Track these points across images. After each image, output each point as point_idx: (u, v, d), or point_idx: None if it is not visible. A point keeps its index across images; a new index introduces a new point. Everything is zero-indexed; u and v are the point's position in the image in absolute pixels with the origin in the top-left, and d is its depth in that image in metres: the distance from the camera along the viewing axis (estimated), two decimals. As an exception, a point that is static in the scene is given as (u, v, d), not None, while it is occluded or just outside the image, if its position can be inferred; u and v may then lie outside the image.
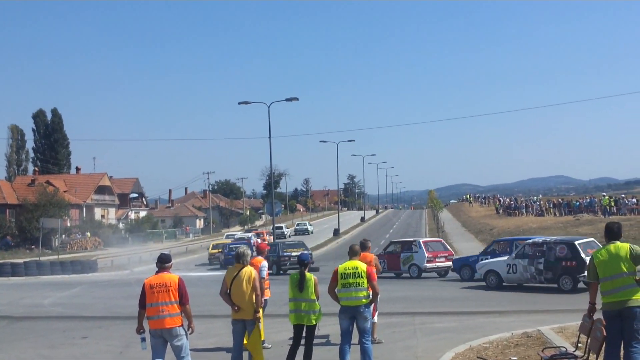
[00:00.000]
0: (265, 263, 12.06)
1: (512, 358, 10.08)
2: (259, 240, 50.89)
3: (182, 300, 8.57)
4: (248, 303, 9.24)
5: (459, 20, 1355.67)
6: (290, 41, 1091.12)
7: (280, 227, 70.59)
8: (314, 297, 9.47)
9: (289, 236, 71.41)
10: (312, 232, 77.34)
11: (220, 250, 44.66)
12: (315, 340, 9.98)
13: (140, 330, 8.74)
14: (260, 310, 9.50)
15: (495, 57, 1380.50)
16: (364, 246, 11.63)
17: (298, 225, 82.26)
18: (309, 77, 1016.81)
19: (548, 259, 20.71)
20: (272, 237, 51.34)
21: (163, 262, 8.81)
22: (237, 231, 79.43)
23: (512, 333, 12.12)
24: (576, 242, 20.75)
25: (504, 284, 22.02)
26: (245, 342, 9.37)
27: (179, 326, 8.54)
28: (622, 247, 7.73)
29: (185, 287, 8.69)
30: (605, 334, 7.61)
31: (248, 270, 9.37)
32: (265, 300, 12.02)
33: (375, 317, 11.76)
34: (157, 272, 8.77)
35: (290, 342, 9.94)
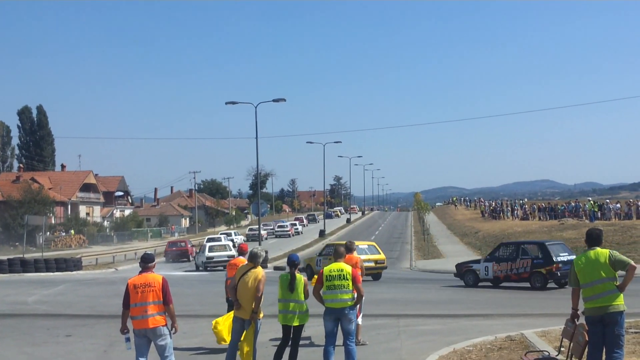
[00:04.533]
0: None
1: (495, 361, 10.12)
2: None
3: (166, 299, 8.56)
4: (248, 303, 9.41)
5: (448, 23, 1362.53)
6: (279, 42, 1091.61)
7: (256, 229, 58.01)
8: (303, 298, 9.55)
9: (266, 238, 66.58)
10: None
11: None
12: (300, 342, 9.99)
13: (124, 330, 8.74)
14: (259, 312, 9.58)
15: (482, 61, 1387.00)
16: (349, 248, 11.68)
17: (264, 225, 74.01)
18: (296, 78, 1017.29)
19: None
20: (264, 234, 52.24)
21: (146, 262, 8.80)
22: (224, 230, 78.79)
23: (496, 336, 12.18)
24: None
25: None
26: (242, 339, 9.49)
27: (162, 326, 8.54)
28: (602, 253, 7.78)
29: (169, 286, 8.70)
30: (587, 339, 7.68)
31: (256, 272, 9.55)
32: None
33: (360, 319, 11.78)
34: (140, 272, 8.76)
35: (273, 342, 9.94)
